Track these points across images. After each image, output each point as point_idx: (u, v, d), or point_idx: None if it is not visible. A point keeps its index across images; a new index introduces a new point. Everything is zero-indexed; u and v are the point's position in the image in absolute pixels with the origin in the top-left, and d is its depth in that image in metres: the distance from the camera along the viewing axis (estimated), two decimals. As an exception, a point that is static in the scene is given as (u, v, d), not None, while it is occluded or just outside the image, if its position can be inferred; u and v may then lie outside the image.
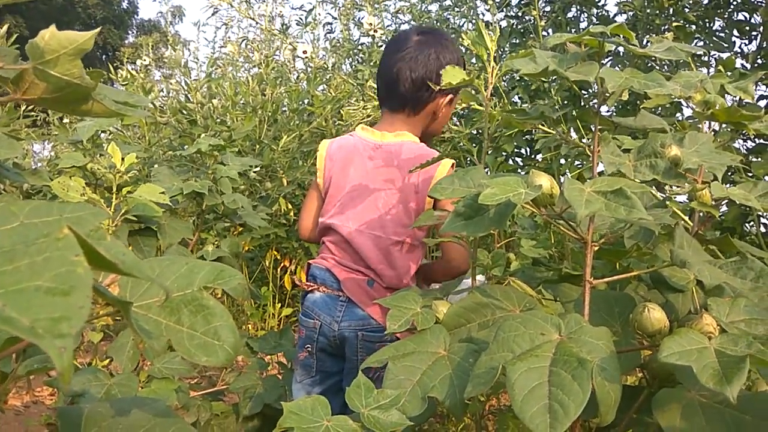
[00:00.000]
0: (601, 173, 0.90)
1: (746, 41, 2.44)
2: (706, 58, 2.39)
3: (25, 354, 0.68)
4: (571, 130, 2.09)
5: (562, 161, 2.24)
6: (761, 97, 2.40)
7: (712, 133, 1.02)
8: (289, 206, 2.99)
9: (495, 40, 1.06)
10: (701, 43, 2.42)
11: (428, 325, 0.89)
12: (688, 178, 0.86)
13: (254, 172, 2.79)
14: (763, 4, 2.32)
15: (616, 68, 1.50)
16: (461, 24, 3.24)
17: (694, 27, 2.46)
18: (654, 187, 0.97)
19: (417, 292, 0.98)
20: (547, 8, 2.89)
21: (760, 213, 1.93)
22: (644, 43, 2.41)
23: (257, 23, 3.63)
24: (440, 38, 1.34)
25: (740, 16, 2.47)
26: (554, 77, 1.50)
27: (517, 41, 2.88)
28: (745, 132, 1.02)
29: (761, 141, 2.15)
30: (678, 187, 0.87)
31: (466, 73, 0.97)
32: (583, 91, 2.44)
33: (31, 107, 3.08)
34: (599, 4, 2.78)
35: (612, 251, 1.05)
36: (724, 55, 2.36)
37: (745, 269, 0.80)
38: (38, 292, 0.28)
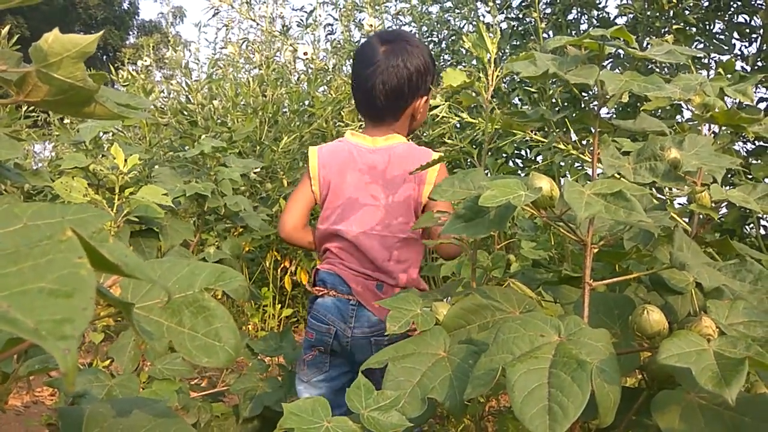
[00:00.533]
0: (600, 175, 0.90)
1: (746, 44, 2.45)
2: (706, 61, 2.40)
3: (27, 354, 0.68)
4: (572, 133, 2.09)
5: (562, 163, 2.24)
6: (761, 100, 2.40)
7: (712, 135, 1.02)
8: (290, 207, 2.98)
9: (495, 42, 1.06)
10: (701, 46, 2.43)
11: (428, 327, 0.90)
12: (688, 181, 0.87)
13: (255, 173, 2.80)
14: (763, 7, 2.33)
15: (616, 71, 1.50)
16: (462, 26, 3.25)
17: (694, 29, 2.46)
18: (654, 190, 0.98)
19: (417, 294, 0.98)
20: (548, 10, 2.90)
21: (760, 215, 1.93)
22: (644, 45, 2.41)
23: (258, 24, 3.64)
24: (404, 44, 1.36)
25: (740, 19, 2.48)
26: (554, 80, 1.50)
27: (518, 43, 2.89)
28: (745, 134, 1.02)
29: (761, 143, 2.15)
30: (677, 189, 0.88)
31: (466, 75, 0.98)
32: (583, 94, 2.45)
33: (32, 108, 3.08)
34: (600, 6, 2.78)
35: (611, 253, 1.05)
36: (724, 58, 2.36)
37: (744, 272, 0.80)
38: (42, 294, 0.28)
